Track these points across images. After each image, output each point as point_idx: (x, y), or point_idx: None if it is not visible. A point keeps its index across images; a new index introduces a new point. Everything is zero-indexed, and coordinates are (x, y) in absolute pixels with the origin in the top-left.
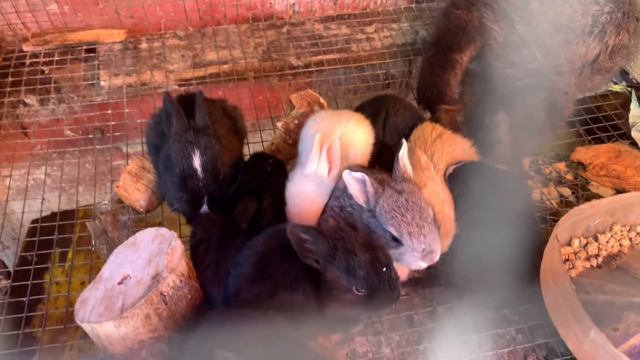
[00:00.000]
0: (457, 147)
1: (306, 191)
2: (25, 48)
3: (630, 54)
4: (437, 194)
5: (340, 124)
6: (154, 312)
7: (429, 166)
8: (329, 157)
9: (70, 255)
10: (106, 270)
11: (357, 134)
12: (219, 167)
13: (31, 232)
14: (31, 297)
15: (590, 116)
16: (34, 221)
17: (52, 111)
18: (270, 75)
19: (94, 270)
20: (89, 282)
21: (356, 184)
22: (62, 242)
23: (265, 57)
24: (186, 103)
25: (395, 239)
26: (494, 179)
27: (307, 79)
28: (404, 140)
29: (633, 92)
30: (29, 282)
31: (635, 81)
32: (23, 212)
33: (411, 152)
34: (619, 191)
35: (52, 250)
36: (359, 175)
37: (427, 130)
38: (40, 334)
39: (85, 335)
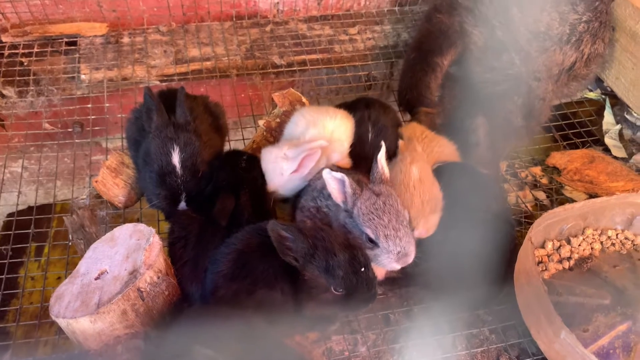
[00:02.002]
0: (445, 149)
1: (268, 162)
2: (4, 39)
3: (605, 63)
4: (427, 172)
5: (329, 119)
6: (131, 308)
7: (423, 154)
8: (303, 161)
9: (46, 249)
10: (83, 265)
11: (344, 130)
12: (198, 164)
13: (7, 225)
14: (5, 292)
15: (565, 122)
16: (10, 215)
17: (31, 103)
18: (252, 73)
19: (70, 265)
20: (65, 277)
21: (335, 184)
22: (38, 237)
23: (248, 55)
24: (167, 99)
25: (371, 240)
26: (475, 181)
27: (290, 78)
28: (382, 143)
29: (607, 99)
30: (3, 277)
31: (609, 89)
32: None
33: (408, 141)
34: (591, 196)
35: (28, 245)
36: (339, 175)
37: (418, 129)
38: (13, 328)
39: (60, 330)
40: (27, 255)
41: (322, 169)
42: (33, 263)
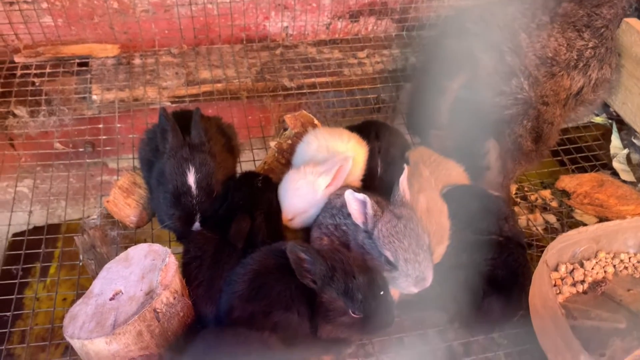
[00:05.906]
0: (452, 172)
1: (297, 187)
2: (16, 59)
3: (612, 88)
4: (435, 201)
5: (342, 143)
6: (147, 329)
7: (430, 179)
8: (336, 175)
9: (52, 270)
10: (97, 285)
11: (356, 154)
12: (213, 184)
13: (13, 245)
14: (8, 313)
15: (573, 146)
16: (16, 234)
17: (42, 123)
18: (263, 95)
19: (80, 286)
20: (74, 298)
21: (356, 204)
22: (45, 257)
23: (258, 77)
24: (181, 120)
25: (389, 263)
26: (486, 204)
27: (299, 101)
28: (405, 165)
29: (614, 124)
30: (13, 297)
31: (615, 114)
32: (9, 225)
33: (415, 166)
34: (602, 219)
35: (34, 265)
36: (361, 196)
37: (426, 153)
38: (18, 350)
39: (67, 352)
40: (33, 275)
41: (344, 188)
42: (39, 283)
